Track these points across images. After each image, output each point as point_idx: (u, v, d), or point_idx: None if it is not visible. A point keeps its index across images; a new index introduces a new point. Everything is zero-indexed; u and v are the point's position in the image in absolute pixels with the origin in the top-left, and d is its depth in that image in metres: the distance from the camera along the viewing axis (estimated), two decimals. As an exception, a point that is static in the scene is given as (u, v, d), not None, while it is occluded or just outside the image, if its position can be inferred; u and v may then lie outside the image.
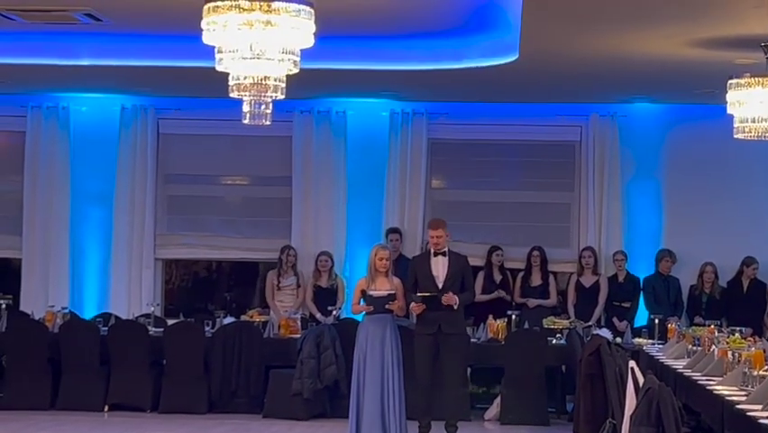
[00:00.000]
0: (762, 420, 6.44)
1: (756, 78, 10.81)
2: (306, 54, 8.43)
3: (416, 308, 11.46)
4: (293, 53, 8.29)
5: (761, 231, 15.20)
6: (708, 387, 8.14)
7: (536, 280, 15.00)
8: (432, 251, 11.63)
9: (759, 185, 15.46)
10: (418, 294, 11.43)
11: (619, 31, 11.05)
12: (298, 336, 13.40)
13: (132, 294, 15.79)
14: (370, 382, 11.40)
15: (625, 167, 15.69)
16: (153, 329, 13.77)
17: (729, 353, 9.27)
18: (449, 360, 11.44)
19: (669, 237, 15.55)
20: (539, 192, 15.92)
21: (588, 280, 14.90)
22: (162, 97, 15.76)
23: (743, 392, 7.65)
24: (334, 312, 14.11)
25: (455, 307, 11.39)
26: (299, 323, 13.93)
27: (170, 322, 14.18)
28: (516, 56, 12.21)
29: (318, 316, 14.47)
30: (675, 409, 6.56)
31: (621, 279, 15.04)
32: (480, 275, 14.98)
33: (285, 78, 8.62)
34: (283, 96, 8.75)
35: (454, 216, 13.79)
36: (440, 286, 11.45)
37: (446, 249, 11.62)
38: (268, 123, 9.11)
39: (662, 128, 15.65)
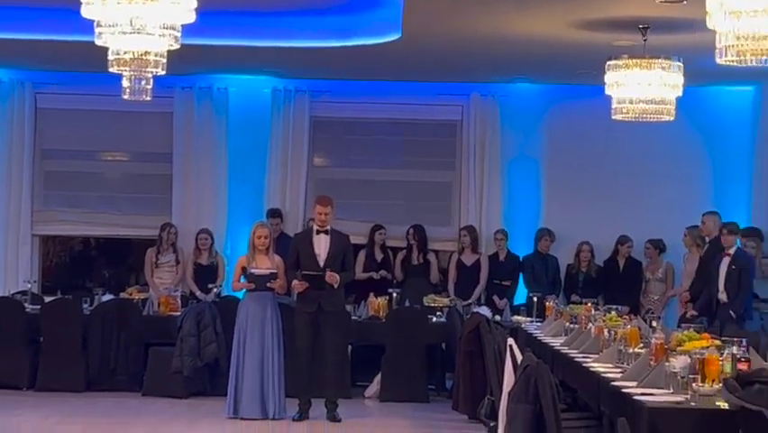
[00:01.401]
0: (636, 397, 6.56)
1: (634, 60, 10.99)
2: (187, 30, 8.35)
3: (297, 286, 11.45)
4: (174, 28, 8.21)
5: (637, 210, 15.46)
6: (585, 364, 8.27)
7: (417, 258, 15.07)
8: (314, 228, 11.63)
9: (635, 165, 15.70)
10: (300, 272, 11.42)
11: (501, 11, 11.13)
12: (178, 313, 13.31)
13: (8, 271, 15.54)
14: (249, 359, 11.39)
15: (505, 146, 15.83)
16: (30, 306, 13.57)
17: (605, 330, 9.41)
18: (329, 338, 11.46)
19: (548, 216, 15.74)
20: (421, 171, 16.00)
21: (468, 259, 15.01)
22: (40, 71, 15.50)
23: (618, 369, 7.77)
24: (215, 290, 14.04)
25: (336, 285, 11.41)
26: (179, 300, 13.84)
27: (48, 299, 13.98)
28: (399, 35, 12.23)
29: (198, 293, 14.38)
30: (552, 386, 6.64)
31: (501, 257, 15.18)
32: (362, 254, 15.02)
33: (166, 54, 8.54)
34: (164, 72, 8.67)
35: (337, 195, 13.73)
36: (321, 264, 11.45)
37: (329, 228, 11.63)
38: (148, 98, 9.03)
39: (543, 108, 15.82)
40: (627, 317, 10.55)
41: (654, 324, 9.42)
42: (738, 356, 7.00)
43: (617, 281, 14.97)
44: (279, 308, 11.63)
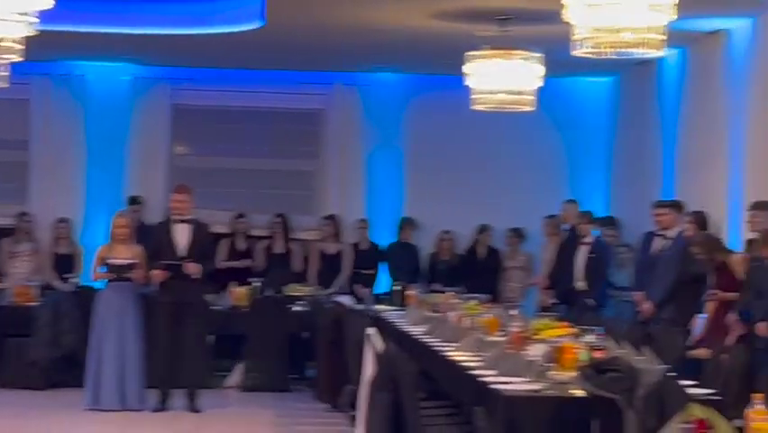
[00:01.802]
0: (493, 385, 6.62)
1: (494, 51, 11.09)
2: (44, 15, 8.19)
3: (157, 275, 11.33)
4: (30, 14, 8.05)
5: (497, 199, 15.62)
6: (445, 353, 8.31)
7: (280, 247, 15.02)
8: (173, 218, 11.51)
9: (496, 155, 15.86)
10: (160, 262, 11.31)
11: (364, 1, 11.13)
12: (35, 303, 13.07)
13: None
14: (108, 350, 11.25)
15: (368, 136, 15.87)
16: None
17: (465, 319, 9.50)
18: (189, 328, 11.37)
19: (410, 205, 15.82)
20: (284, 160, 15.96)
21: (331, 248, 15.02)
22: None
23: (477, 358, 7.82)
24: (73, 280, 13.82)
25: (196, 275, 11.31)
26: (36, 290, 13.59)
27: None
28: (262, 23, 12.16)
29: (56, 283, 14.15)
30: (412, 375, 6.67)
31: (363, 246, 15.21)
32: (224, 242, 14.92)
33: (22, 40, 8.37)
34: (20, 59, 8.50)
35: (199, 184, 13.68)
36: (181, 254, 11.35)
37: (189, 217, 11.52)
38: (5, 85, 8.83)
39: (404, 98, 15.89)
40: (487, 305, 10.66)
41: (514, 312, 9.52)
42: (594, 345, 7.10)
43: (478, 270, 15.11)
44: (139, 298, 11.50)
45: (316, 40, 13.14)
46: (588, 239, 13.27)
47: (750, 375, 7.60)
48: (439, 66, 14.24)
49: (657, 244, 11.80)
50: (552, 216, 14.59)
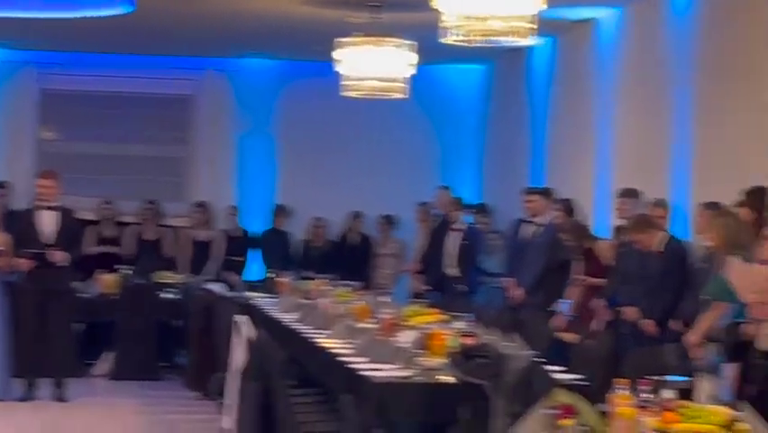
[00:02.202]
0: (362, 372, 6.62)
1: (365, 38, 11.06)
2: None
3: (23, 264, 11.11)
4: None
5: (369, 186, 15.63)
6: (315, 340, 8.29)
7: (150, 234, 14.84)
8: (38, 204, 11.30)
9: (368, 142, 15.88)
10: (25, 250, 11.08)
11: (234, -15, 11.05)
12: None
13: None
14: (-27, 340, 11.02)
15: (239, 122, 15.78)
16: None
17: (337, 306, 9.49)
18: (55, 316, 11.17)
19: (283, 192, 15.77)
20: (153, 146, 15.78)
21: (201, 235, 14.89)
22: None
23: (348, 345, 7.81)
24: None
25: (62, 262, 11.12)
26: None
27: None
28: (133, 8, 11.99)
29: None
30: (282, 362, 6.65)
31: (235, 233, 15.11)
32: (92, 229, 14.69)
33: None
34: None
35: (67, 169, 13.44)
36: (48, 241, 11.14)
37: (55, 203, 11.31)
38: None
39: (276, 84, 15.82)
40: (359, 292, 10.67)
41: (385, 299, 9.54)
42: (463, 331, 7.15)
43: (350, 257, 15.11)
44: (5, 286, 11.27)
45: (187, 25, 13.00)
46: (459, 226, 13.35)
47: (616, 360, 7.72)
48: (310, 52, 14.18)
49: (527, 230, 11.90)
50: (424, 203, 14.65)
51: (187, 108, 15.81)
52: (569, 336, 9.69)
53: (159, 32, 13.54)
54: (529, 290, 11.43)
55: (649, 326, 9.08)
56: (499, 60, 15.25)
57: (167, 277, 13.74)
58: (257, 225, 15.41)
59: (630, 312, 9.32)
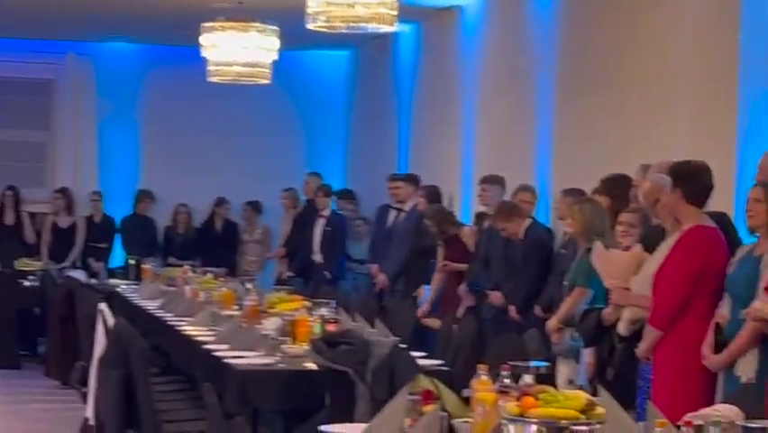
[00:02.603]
0: (225, 360, 6.58)
1: (230, 23, 10.99)
2: None
3: None
4: None
5: (234, 173, 15.53)
6: (178, 327, 8.22)
7: (10, 219, 14.55)
8: None
9: (233, 128, 15.76)
10: None
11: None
12: None
13: None
14: None
15: (102, 107, 15.55)
16: None
17: (201, 293, 9.42)
18: None
19: (147, 178, 15.59)
20: (13, 130, 15.47)
21: (63, 221, 14.64)
22: None
23: (212, 332, 7.76)
24: None
25: None
26: None
27: None
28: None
29: None
30: (143, 350, 6.57)
31: (97, 219, 14.89)
32: (-52, 216, 14.36)
33: None
34: None
35: None
36: None
37: None
38: None
39: (142, 68, 15.62)
40: (223, 279, 10.61)
41: (249, 286, 9.50)
42: (328, 317, 7.14)
43: (215, 243, 15.00)
44: None
45: (48, 7, 12.77)
46: (325, 212, 13.35)
47: (478, 346, 7.79)
48: (175, 37, 14.03)
49: (392, 216, 11.96)
50: (289, 189, 14.61)
51: (49, 93, 15.53)
52: (432, 322, 9.77)
53: (19, 15, 13.27)
54: (394, 276, 11.47)
55: (511, 311, 9.18)
56: (365, 47, 15.27)
57: (28, 264, 13.51)
58: (121, 210, 15.21)
59: (494, 297, 9.41)
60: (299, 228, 13.83)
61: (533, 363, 4.89)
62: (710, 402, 5.72)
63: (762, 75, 7.42)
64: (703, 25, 8.30)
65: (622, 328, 6.70)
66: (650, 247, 6.75)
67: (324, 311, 7.31)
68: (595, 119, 9.76)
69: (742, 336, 5.84)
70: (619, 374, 6.82)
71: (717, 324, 6.01)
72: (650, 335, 6.34)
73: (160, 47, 15.35)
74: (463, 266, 10.18)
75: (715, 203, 6.44)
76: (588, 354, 7.11)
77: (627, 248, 6.98)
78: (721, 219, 6.52)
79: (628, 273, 6.75)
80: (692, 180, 6.28)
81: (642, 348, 6.41)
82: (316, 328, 6.97)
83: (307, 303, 8.03)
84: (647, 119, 8.91)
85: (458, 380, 5.84)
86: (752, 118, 7.48)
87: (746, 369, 5.84)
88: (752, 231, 6.09)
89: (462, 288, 9.99)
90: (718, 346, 5.96)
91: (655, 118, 8.80)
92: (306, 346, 6.68)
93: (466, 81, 12.36)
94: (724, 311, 6.06)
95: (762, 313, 5.67)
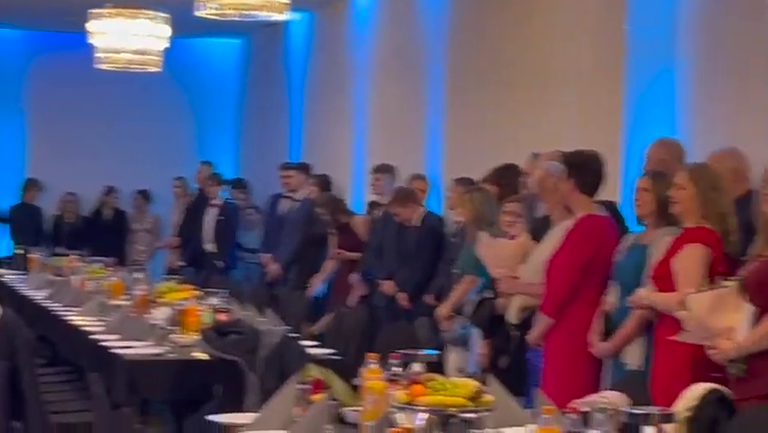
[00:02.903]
0: (113, 350, 6.50)
1: (118, 9, 10.86)
2: None
3: None
4: None
5: (124, 161, 15.36)
6: (65, 318, 8.10)
7: None
8: None
9: (122, 116, 15.61)
10: None
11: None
12: None
13: None
14: None
15: (-13, 94, 15.32)
16: None
17: (89, 282, 9.31)
18: None
19: (34, 166, 15.36)
20: None
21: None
22: None
23: (101, 322, 7.65)
24: None
25: None
26: None
27: None
28: None
29: None
30: (29, 341, 6.48)
31: (-17, 208, 14.67)
32: None
33: None
34: None
35: None
36: None
37: None
38: None
39: (26, 55, 15.38)
40: (112, 268, 10.48)
41: (139, 275, 9.41)
42: (218, 307, 7.10)
43: (104, 232, 14.83)
44: None
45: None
46: (216, 201, 13.27)
47: (370, 334, 7.80)
48: (62, 23, 13.82)
49: (284, 205, 11.93)
50: (180, 178, 14.49)
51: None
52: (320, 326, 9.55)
53: None
54: (285, 265, 11.45)
55: (401, 298, 9.20)
56: (256, 35, 15.20)
57: None
58: (8, 200, 14.96)
59: (387, 286, 9.41)
60: (191, 217, 13.72)
61: (422, 352, 4.89)
62: (598, 389, 5.80)
63: (648, 65, 7.52)
64: (590, 16, 8.40)
65: (512, 316, 6.76)
66: (537, 236, 6.82)
67: (214, 301, 7.27)
68: (485, 109, 9.82)
69: (628, 324, 5.92)
70: (513, 362, 6.88)
71: (605, 311, 6.09)
72: (541, 322, 6.40)
73: (45, 33, 15.12)
74: (355, 255, 10.19)
75: (601, 192, 6.51)
76: (480, 343, 7.16)
77: (513, 237, 7.03)
78: (610, 208, 6.61)
79: (515, 262, 6.81)
80: (585, 170, 6.35)
81: (533, 335, 6.47)
82: (206, 318, 6.92)
83: (198, 292, 7.97)
84: (536, 109, 9.00)
85: (348, 369, 5.84)
86: (638, 108, 7.58)
87: (633, 356, 5.93)
88: (639, 220, 6.18)
89: (354, 277, 9.99)
90: (606, 334, 6.03)
91: (544, 108, 8.88)
92: (195, 336, 6.63)
93: (358, 71, 12.36)
94: (611, 299, 6.13)
95: (647, 301, 5.75)
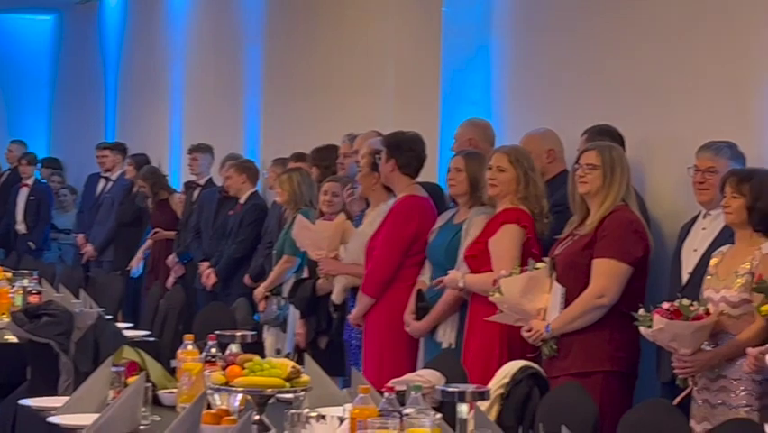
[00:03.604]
0: None
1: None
2: None
3: None
4: None
5: None
6: None
7: None
8: None
9: None
10: None
11: None
12: None
13: None
14: None
15: None
16: None
17: None
18: None
19: None
20: None
21: None
22: None
23: None
24: None
25: None
26: None
27: None
28: None
29: None
30: None
31: None
32: None
33: None
34: None
35: None
36: None
37: None
38: None
39: None
40: None
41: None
42: (29, 289, 6.96)
43: None
44: None
45: None
46: (28, 181, 12.98)
47: (187, 315, 7.74)
48: None
49: (100, 186, 11.76)
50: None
51: None
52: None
53: None
54: (101, 246, 11.28)
55: (213, 279, 9.08)
56: (70, 12, 14.89)
57: None
58: None
59: (204, 268, 9.30)
60: (1, 198, 13.38)
61: (240, 333, 4.86)
62: (415, 368, 5.85)
63: (464, 46, 7.60)
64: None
65: (336, 297, 6.77)
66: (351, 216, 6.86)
67: (25, 282, 7.12)
68: (303, 90, 9.80)
69: (442, 303, 5.98)
70: (333, 342, 6.90)
71: (419, 290, 6.14)
72: (361, 301, 6.42)
73: None
74: (172, 233, 10.08)
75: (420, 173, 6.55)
76: (298, 324, 7.15)
77: (332, 217, 7.04)
78: (433, 190, 6.66)
79: (335, 243, 6.81)
80: (406, 151, 6.37)
81: (354, 315, 6.49)
82: (17, 300, 6.78)
83: (8, 274, 7.79)
84: (354, 90, 9.01)
85: (165, 350, 5.79)
86: (454, 89, 7.66)
87: (447, 334, 5.99)
88: (453, 199, 6.23)
89: (171, 258, 9.87)
90: (420, 313, 6.08)
91: (362, 89, 8.90)
92: (6, 319, 6.48)
93: (175, 51, 12.22)
94: (425, 278, 6.19)
95: (461, 283, 5.79)
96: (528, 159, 5.81)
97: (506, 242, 5.67)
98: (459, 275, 5.81)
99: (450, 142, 6.95)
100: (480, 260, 5.71)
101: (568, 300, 5.32)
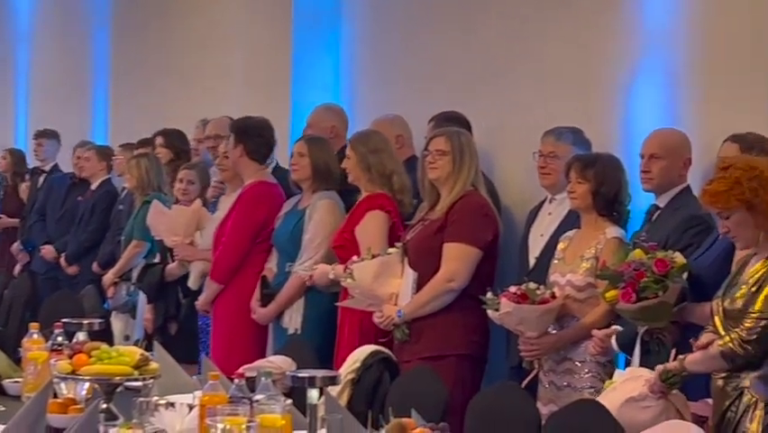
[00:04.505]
0: None
1: None
2: None
3: None
4: None
5: None
6: None
7: None
8: None
9: None
10: None
11: None
12: None
13: None
14: None
15: None
16: None
17: None
18: None
19: None
20: None
21: None
22: None
23: None
24: None
25: None
26: None
27: None
28: None
29: None
30: None
31: None
32: None
33: None
34: None
35: None
36: None
37: None
38: None
39: None
40: None
41: None
42: None
43: None
44: None
45: None
46: None
47: (33, 304, 7.61)
48: None
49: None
50: None
51: None
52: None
53: None
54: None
55: (67, 267, 8.93)
56: None
57: None
58: None
59: (46, 251, 9.10)
60: None
61: (87, 321, 4.77)
62: (265, 354, 5.84)
63: (315, 29, 7.58)
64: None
65: (192, 283, 6.71)
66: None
67: None
68: (152, 74, 9.69)
69: (287, 289, 5.97)
70: (183, 329, 6.84)
71: (264, 277, 6.12)
72: (209, 288, 6.38)
73: None
74: (16, 221, 9.88)
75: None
76: (147, 310, 7.07)
77: (188, 203, 6.98)
78: (282, 176, 6.60)
79: (191, 229, 6.77)
80: (254, 137, 6.33)
81: (201, 301, 6.45)
82: None
83: None
84: (205, 74, 8.94)
85: (10, 340, 5.68)
86: (303, 74, 7.64)
87: (292, 320, 5.99)
88: (296, 184, 6.18)
89: (15, 246, 9.65)
90: (265, 299, 6.06)
91: (213, 73, 8.84)
92: None
93: (20, 35, 11.99)
94: (271, 265, 6.17)
95: (327, 275, 5.77)
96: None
97: (372, 228, 5.67)
98: (329, 268, 5.77)
99: (301, 127, 6.93)
100: (348, 249, 5.68)
101: (420, 285, 5.35)
